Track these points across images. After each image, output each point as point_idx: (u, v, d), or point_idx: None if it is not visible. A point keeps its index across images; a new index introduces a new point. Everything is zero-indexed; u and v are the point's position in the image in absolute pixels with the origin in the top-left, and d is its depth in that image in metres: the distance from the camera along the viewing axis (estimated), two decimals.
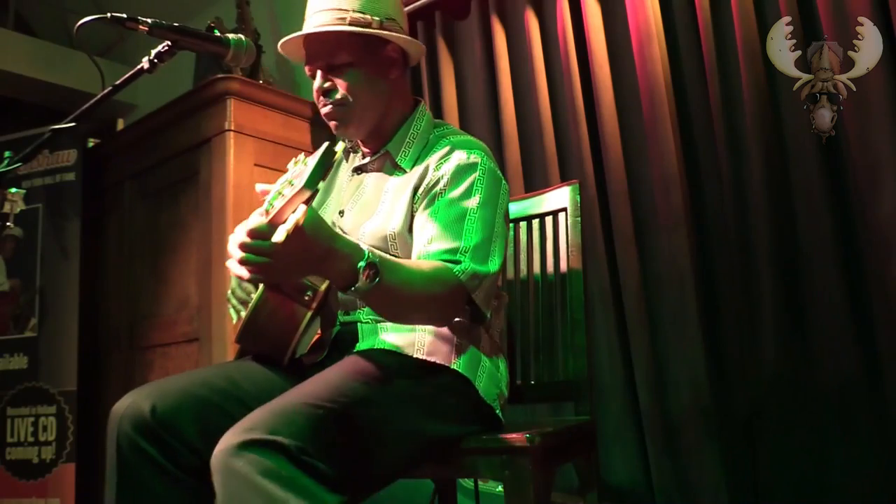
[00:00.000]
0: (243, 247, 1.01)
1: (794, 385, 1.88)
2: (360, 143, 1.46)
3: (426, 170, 1.34)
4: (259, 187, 1.10)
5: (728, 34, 2.06)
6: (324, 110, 1.37)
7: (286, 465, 0.97)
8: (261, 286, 1.25)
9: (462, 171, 1.31)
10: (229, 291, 1.39)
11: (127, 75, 1.21)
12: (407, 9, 2.79)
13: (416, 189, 1.33)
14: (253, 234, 1.00)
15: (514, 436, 1.24)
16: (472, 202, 1.28)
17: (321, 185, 0.99)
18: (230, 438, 1.00)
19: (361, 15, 1.32)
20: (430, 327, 1.31)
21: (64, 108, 3.92)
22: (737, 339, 2.01)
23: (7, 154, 1.20)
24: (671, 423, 2.07)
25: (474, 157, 1.33)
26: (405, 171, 1.38)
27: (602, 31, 2.31)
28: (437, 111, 2.73)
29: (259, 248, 1.00)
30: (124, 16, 1.17)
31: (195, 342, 2.59)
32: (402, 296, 1.14)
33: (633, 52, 2.24)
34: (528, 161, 2.48)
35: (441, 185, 1.30)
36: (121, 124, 4.27)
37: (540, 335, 1.68)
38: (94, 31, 1.21)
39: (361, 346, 1.31)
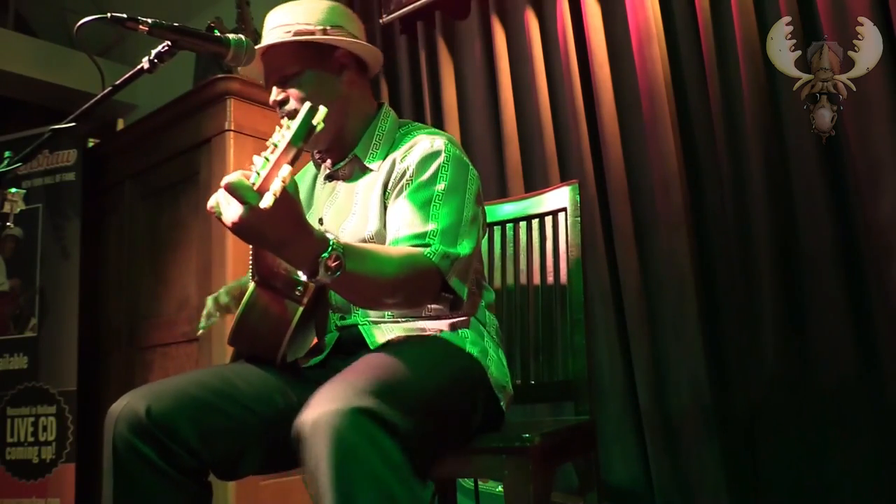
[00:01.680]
0: (233, 224, 0.94)
1: (794, 385, 1.88)
2: (325, 153, 1.46)
3: (393, 164, 1.35)
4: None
5: (728, 34, 2.07)
6: None
7: (397, 451, 0.94)
8: (251, 285, 1.25)
9: (427, 159, 1.32)
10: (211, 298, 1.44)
11: (127, 75, 1.21)
12: (407, 9, 2.84)
13: (385, 185, 1.35)
14: (235, 193, 0.91)
15: (513, 436, 1.25)
16: (439, 187, 1.29)
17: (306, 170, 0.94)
18: (340, 397, 0.95)
19: (305, 26, 1.37)
20: (435, 323, 1.31)
21: (64, 108, 3.92)
22: (737, 339, 2.01)
23: (7, 154, 1.20)
24: (671, 423, 2.07)
25: (438, 145, 1.34)
26: (373, 170, 1.40)
27: (602, 31, 2.31)
28: (437, 111, 2.73)
29: (247, 216, 0.92)
30: (124, 16, 1.16)
31: (195, 342, 2.59)
32: (370, 282, 1.12)
33: (633, 52, 2.24)
34: (528, 161, 2.48)
35: (408, 175, 1.32)
36: (121, 124, 4.27)
37: (540, 335, 1.68)
38: (94, 31, 1.20)
39: (376, 342, 1.30)
